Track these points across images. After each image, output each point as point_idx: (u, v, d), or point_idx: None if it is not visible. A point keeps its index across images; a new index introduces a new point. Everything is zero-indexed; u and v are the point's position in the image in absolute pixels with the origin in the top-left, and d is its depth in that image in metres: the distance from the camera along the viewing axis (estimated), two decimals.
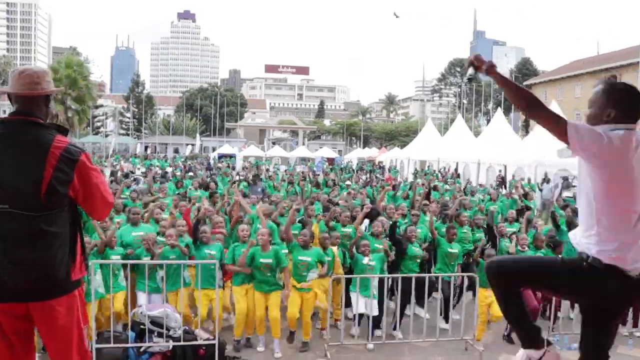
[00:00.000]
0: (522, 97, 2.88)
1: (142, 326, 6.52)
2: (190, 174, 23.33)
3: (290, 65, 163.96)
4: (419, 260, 8.44)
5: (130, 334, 6.50)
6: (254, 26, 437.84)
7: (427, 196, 12.11)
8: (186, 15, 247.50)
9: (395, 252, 8.23)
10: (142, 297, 7.40)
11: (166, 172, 21.28)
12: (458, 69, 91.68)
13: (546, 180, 22.46)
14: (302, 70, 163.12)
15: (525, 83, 69.34)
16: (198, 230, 7.79)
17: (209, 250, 7.66)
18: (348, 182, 20.72)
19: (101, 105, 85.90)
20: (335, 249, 8.08)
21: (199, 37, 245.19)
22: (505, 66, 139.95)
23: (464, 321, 7.57)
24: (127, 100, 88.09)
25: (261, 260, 7.30)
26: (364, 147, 73.52)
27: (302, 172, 28.25)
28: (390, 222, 8.90)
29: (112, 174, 23.15)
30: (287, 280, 7.58)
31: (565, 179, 23.76)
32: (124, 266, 7.32)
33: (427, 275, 7.98)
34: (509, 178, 26.09)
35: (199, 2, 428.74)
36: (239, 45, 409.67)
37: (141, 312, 6.59)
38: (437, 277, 7.97)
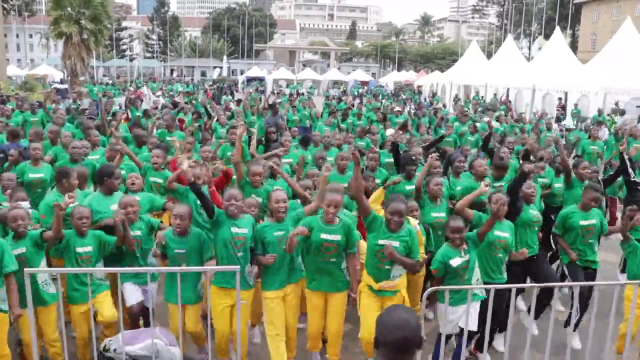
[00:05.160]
0: None
1: None
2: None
3: None
4: (536, 229, 5.82)
5: None
6: None
7: (526, 155, 7.82)
8: None
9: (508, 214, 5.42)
10: (131, 291, 4.98)
11: (177, 103, 18.49)
12: None
13: (619, 111, 19.51)
14: None
15: (575, 1, 64.03)
16: (205, 198, 4.75)
17: (237, 228, 4.71)
18: (398, 109, 17.79)
19: (125, 28, 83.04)
20: (416, 224, 5.40)
21: None
22: None
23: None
24: (151, 22, 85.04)
25: (322, 236, 4.58)
26: (399, 70, 69.88)
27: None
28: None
29: (131, 101, 20.82)
30: (354, 275, 4.81)
31: None
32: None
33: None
34: (569, 107, 23.25)
35: None
36: None
37: (115, 350, 4.28)
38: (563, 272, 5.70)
